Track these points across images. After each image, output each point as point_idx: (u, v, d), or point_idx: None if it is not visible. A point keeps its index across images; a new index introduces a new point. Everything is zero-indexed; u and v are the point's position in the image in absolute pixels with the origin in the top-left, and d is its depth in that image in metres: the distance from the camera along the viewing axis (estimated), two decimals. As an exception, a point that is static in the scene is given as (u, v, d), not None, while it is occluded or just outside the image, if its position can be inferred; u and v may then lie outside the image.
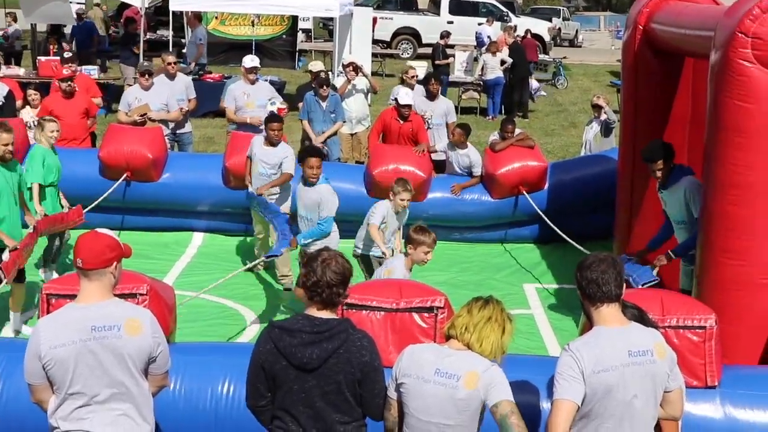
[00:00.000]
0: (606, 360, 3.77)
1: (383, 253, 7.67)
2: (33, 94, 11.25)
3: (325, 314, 3.93)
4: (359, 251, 8.06)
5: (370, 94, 12.91)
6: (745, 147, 6.20)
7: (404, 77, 11.88)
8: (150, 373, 4.03)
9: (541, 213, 9.76)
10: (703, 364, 4.99)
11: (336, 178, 8.96)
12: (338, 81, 12.79)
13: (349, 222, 8.63)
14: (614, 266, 3.90)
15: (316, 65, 13.03)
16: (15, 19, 23.30)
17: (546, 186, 10.18)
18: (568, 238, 9.05)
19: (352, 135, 12.14)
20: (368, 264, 8.03)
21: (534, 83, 20.80)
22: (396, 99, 10.94)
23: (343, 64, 13.13)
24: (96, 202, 9.33)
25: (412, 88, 11.52)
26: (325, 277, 3.88)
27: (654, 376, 3.85)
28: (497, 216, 10.26)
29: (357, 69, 12.27)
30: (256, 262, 8.70)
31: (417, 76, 12.17)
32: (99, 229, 4.13)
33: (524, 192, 9.95)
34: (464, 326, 3.90)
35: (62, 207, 8.61)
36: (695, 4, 7.83)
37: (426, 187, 10.04)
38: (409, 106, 10.79)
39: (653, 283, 6.92)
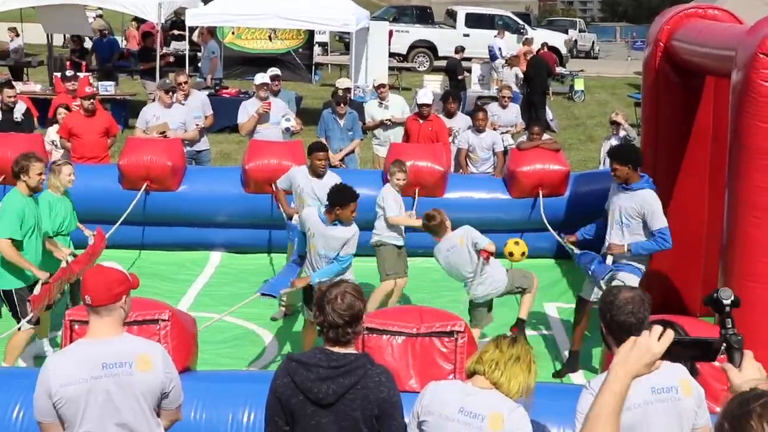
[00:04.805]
0: (629, 398, 3.68)
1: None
2: (64, 112, 11.06)
3: (343, 349, 3.86)
4: (379, 239, 8.32)
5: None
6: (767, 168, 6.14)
7: (498, 96, 13.19)
8: (162, 408, 3.98)
9: (545, 220, 9.50)
10: (726, 390, 4.89)
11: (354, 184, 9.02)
12: (370, 101, 12.53)
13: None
14: (643, 304, 3.81)
15: (344, 82, 13.07)
16: (17, 34, 23.05)
17: (566, 193, 10.09)
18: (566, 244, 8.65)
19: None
20: (388, 253, 8.25)
21: (548, 113, 19.98)
22: (415, 99, 11.05)
23: (374, 86, 13.02)
24: (123, 217, 9.30)
25: (505, 107, 12.61)
26: (330, 317, 3.80)
27: (680, 414, 3.75)
28: (514, 219, 10.08)
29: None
30: (249, 299, 7.58)
31: (512, 96, 13.11)
32: (105, 263, 4.08)
33: (540, 194, 9.82)
34: (494, 362, 3.76)
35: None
36: (717, 23, 7.76)
37: (443, 182, 10.02)
38: (428, 105, 10.94)
39: (610, 274, 7.20)
